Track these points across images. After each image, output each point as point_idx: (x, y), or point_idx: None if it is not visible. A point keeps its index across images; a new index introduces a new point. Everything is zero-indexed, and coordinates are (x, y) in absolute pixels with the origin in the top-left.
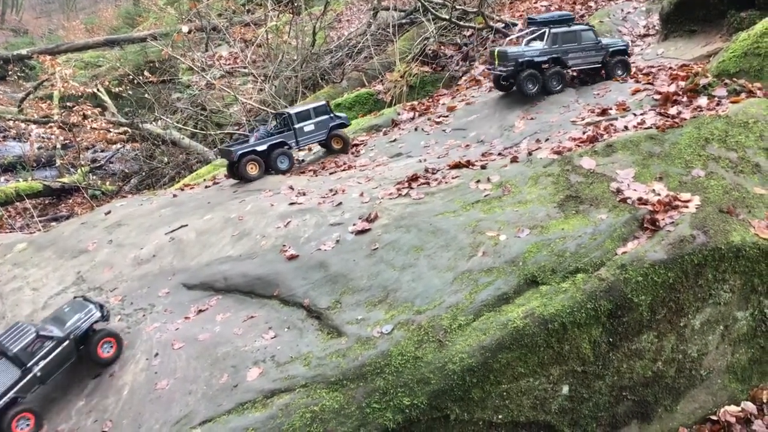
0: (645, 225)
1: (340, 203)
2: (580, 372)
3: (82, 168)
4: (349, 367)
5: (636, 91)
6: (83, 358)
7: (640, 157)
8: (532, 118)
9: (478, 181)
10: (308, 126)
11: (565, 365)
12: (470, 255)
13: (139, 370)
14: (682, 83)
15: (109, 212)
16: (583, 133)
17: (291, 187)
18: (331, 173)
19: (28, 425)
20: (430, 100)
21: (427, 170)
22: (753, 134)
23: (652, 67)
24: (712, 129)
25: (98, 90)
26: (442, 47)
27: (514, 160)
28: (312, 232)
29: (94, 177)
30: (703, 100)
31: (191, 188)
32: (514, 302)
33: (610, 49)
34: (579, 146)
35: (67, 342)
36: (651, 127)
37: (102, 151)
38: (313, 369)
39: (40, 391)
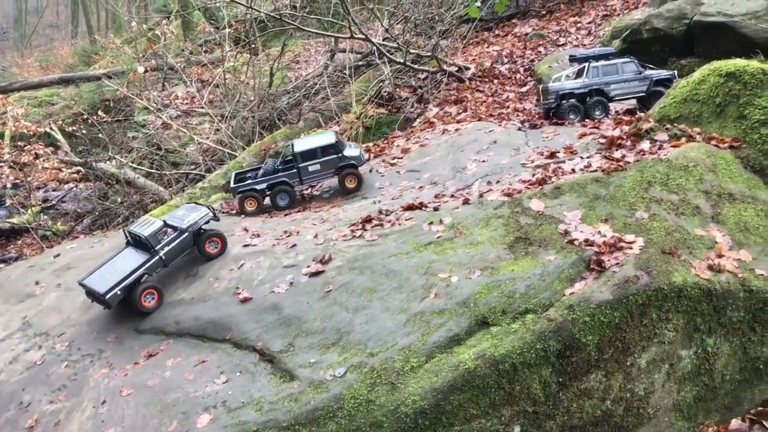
0: (591, 266)
1: (295, 245)
2: (531, 412)
3: (33, 208)
4: (302, 411)
5: (583, 135)
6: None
7: (587, 199)
8: (484, 161)
9: (430, 223)
10: (313, 166)
11: (516, 406)
12: (423, 297)
13: (85, 419)
14: (626, 128)
15: (58, 255)
16: (533, 175)
17: (245, 229)
18: (285, 214)
19: (153, 299)
20: (385, 141)
21: (380, 212)
22: (693, 177)
23: None
24: (654, 172)
25: (51, 129)
26: (398, 89)
27: (466, 202)
28: (266, 274)
29: (45, 217)
30: (645, 144)
31: None
32: (466, 343)
33: (654, 79)
34: (528, 188)
35: (187, 234)
36: (597, 170)
37: (54, 190)
38: (264, 414)
39: None
